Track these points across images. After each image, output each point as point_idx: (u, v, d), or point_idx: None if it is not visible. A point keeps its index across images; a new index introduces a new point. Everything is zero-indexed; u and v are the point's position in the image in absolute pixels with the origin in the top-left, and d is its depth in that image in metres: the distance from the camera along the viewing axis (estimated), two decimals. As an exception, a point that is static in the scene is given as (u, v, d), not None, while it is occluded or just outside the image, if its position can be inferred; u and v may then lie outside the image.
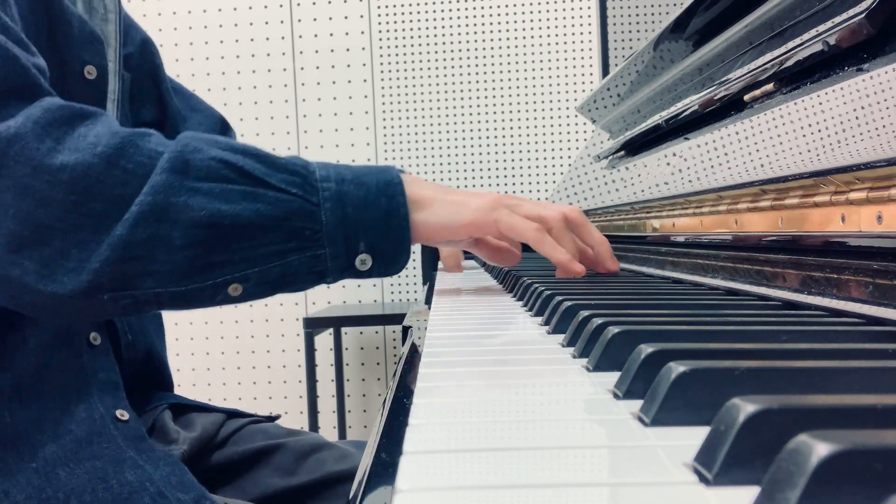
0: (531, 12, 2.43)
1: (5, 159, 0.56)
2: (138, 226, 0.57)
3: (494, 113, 2.44)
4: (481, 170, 2.44)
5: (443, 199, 0.66)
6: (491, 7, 2.42)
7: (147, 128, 0.91)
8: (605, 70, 1.66)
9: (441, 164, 2.44)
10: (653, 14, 1.51)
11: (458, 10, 2.42)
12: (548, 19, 2.43)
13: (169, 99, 0.95)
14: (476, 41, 2.43)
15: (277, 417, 0.95)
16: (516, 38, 2.43)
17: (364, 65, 2.44)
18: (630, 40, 1.59)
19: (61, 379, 0.69)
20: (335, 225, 0.61)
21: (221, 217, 0.58)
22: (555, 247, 0.70)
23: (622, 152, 1.13)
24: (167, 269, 0.58)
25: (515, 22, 2.43)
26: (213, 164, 0.59)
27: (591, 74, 2.42)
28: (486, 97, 2.43)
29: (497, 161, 2.44)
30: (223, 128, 1.03)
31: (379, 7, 2.42)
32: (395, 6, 2.42)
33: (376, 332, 2.47)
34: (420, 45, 2.43)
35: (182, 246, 0.58)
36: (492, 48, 2.43)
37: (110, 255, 0.57)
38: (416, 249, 1.42)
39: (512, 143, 2.44)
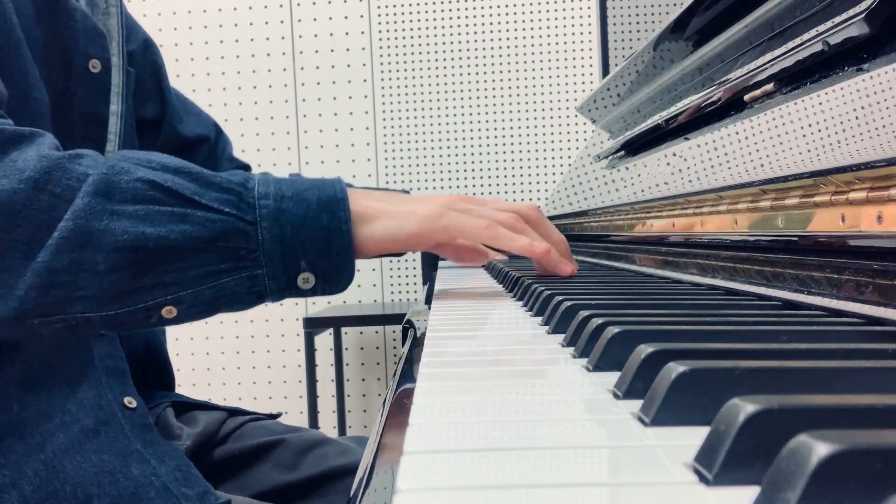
0: (531, 12, 2.43)
1: None
2: (60, 252, 0.55)
3: (494, 113, 2.44)
4: (481, 170, 2.44)
5: (389, 211, 0.64)
6: (491, 7, 2.42)
7: (149, 123, 0.92)
8: (605, 70, 1.66)
9: (441, 164, 2.43)
10: (653, 14, 1.51)
11: (458, 10, 2.42)
12: (548, 19, 2.43)
13: (170, 97, 0.96)
14: (476, 41, 2.43)
15: (279, 415, 0.95)
16: (516, 38, 2.43)
17: (364, 65, 2.44)
18: (630, 40, 1.59)
19: (70, 367, 0.69)
20: (273, 244, 0.59)
21: (146, 240, 0.56)
22: (511, 237, 0.68)
23: (622, 152, 1.13)
24: (94, 295, 0.57)
25: (515, 22, 2.43)
26: (139, 185, 0.57)
27: (591, 74, 2.42)
28: (486, 97, 2.43)
29: (497, 161, 2.44)
30: (217, 132, 1.04)
31: (379, 7, 2.42)
32: (395, 6, 2.42)
33: (376, 332, 2.47)
34: (420, 45, 2.43)
35: (106, 271, 0.56)
36: (492, 48, 2.43)
37: (34, 282, 0.55)
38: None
39: (512, 143, 2.44)
